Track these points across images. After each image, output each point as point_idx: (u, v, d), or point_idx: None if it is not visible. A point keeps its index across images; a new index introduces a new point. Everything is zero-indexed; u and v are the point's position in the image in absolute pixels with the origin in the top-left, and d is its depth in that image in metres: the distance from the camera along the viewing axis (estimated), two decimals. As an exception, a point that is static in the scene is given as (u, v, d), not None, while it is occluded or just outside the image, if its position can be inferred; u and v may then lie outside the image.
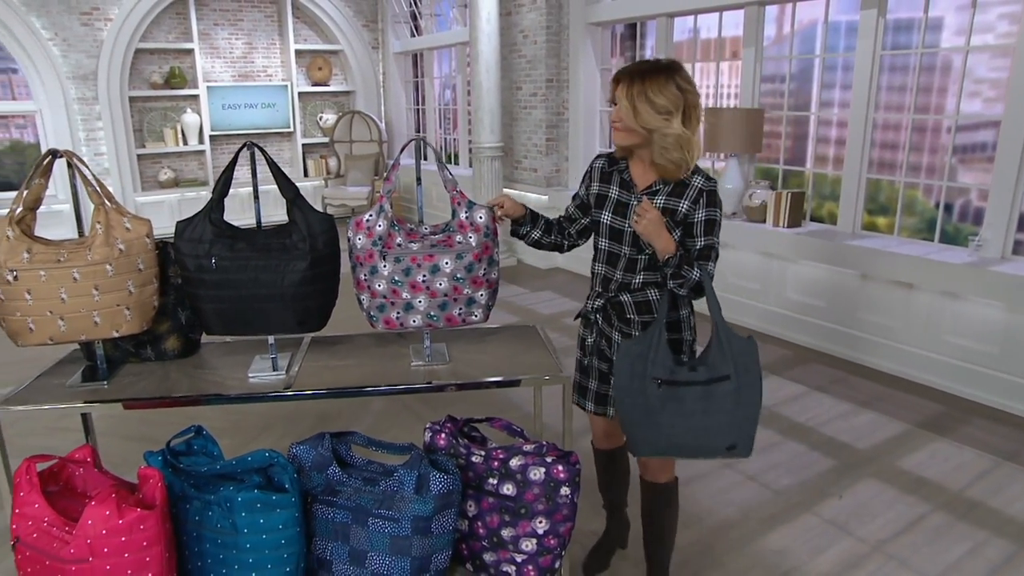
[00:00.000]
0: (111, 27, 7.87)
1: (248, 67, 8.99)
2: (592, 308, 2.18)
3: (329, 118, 9.53)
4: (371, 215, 1.95)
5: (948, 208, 4.27)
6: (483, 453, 1.83)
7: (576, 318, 2.30)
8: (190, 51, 8.47)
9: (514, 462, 1.79)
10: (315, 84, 9.44)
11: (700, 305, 2.06)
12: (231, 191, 1.97)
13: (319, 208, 8.65)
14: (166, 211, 8.17)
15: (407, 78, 9.72)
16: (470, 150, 7.00)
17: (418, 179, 2.14)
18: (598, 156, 2.19)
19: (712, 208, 1.97)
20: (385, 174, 2.02)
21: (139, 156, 8.37)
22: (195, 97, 8.59)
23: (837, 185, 4.70)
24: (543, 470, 1.77)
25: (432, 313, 1.99)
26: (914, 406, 3.76)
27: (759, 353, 1.91)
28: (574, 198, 2.25)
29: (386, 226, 1.94)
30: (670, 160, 1.94)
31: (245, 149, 1.95)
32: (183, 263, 1.92)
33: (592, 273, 2.22)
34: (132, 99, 8.24)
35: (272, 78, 9.16)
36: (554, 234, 2.24)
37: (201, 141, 8.68)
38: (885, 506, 2.87)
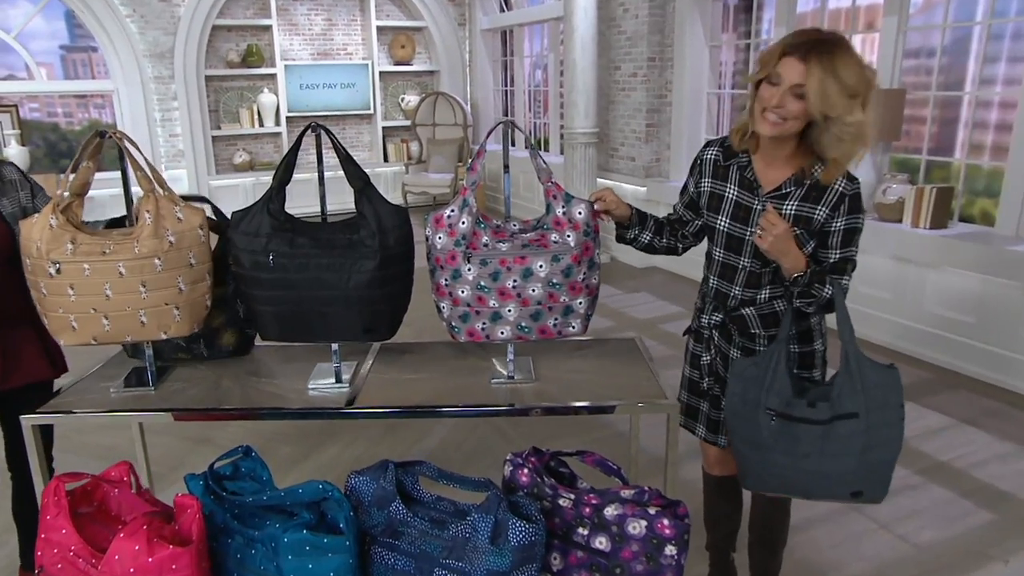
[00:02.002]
0: (188, 2, 8.08)
1: (327, 44, 9.08)
2: (708, 324, 1.98)
3: (411, 99, 9.52)
4: (453, 210, 1.80)
5: None
6: (573, 497, 1.64)
7: (685, 334, 2.14)
8: (268, 28, 8.62)
9: (609, 511, 1.59)
10: (397, 63, 9.45)
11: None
12: (303, 176, 1.85)
13: (399, 196, 8.69)
14: (240, 195, 8.34)
15: (495, 57, 9.61)
16: (561, 136, 6.82)
17: (505, 167, 1.97)
18: (708, 145, 1.97)
19: (855, 216, 1.81)
20: (470, 162, 1.87)
21: (214, 138, 8.58)
22: (272, 76, 8.74)
23: (995, 179, 4.27)
24: (645, 523, 1.57)
25: (523, 324, 1.83)
26: (1096, 451, 3.33)
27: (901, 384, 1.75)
28: (682, 193, 2.06)
29: (470, 223, 1.78)
30: (843, 153, 1.75)
31: (310, 131, 1.84)
32: (238, 259, 1.83)
33: (704, 281, 2.02)
34: (208, 78, 8.45)
35: (352, 56, 9.22)
36: (666, 236, 2.05)
37: (277, 123, 8.83)
38: (1062, 577, 2.51)
